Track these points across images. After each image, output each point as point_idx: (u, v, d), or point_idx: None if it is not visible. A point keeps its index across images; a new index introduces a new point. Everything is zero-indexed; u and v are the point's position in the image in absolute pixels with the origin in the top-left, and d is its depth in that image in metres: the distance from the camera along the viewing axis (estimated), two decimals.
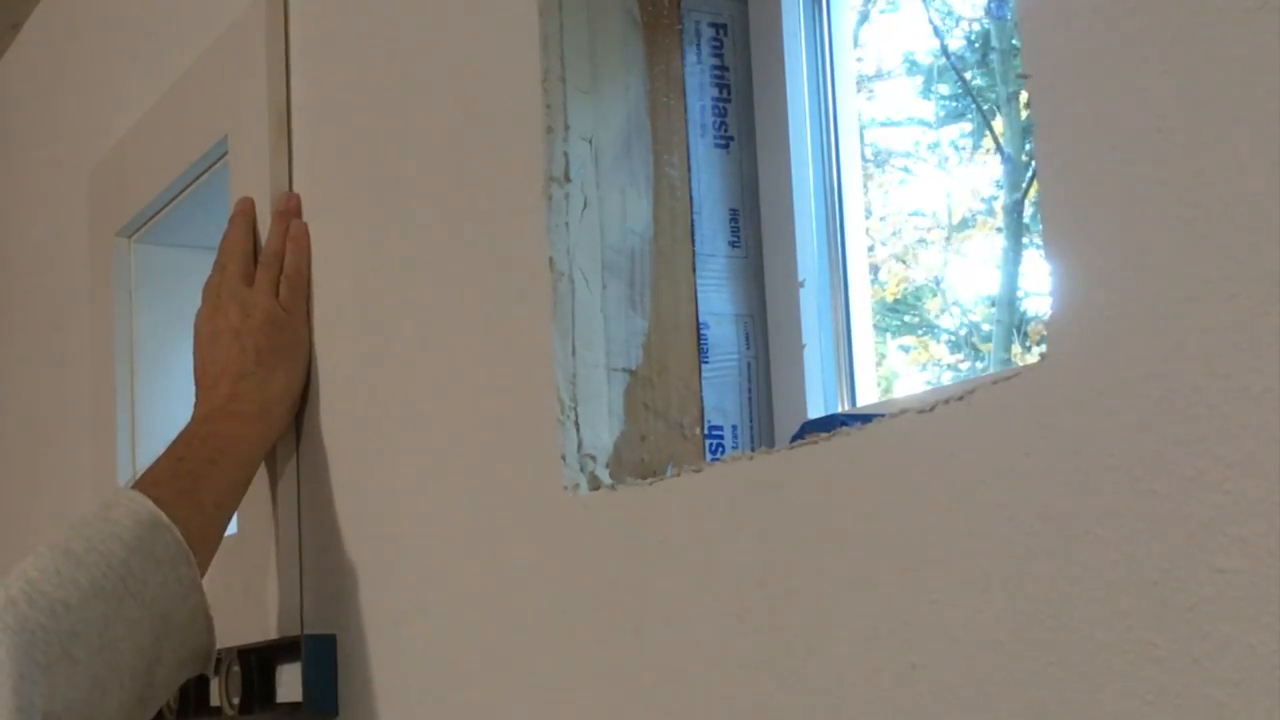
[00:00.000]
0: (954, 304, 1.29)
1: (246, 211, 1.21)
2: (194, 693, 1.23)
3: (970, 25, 1.21)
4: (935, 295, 1.28)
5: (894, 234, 1.26)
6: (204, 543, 1.06)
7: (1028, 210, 1.11)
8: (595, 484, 0.86)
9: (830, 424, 0.73)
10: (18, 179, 2.11)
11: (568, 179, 0.89)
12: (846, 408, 0.95)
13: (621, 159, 0.92)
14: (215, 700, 1.20)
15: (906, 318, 1.28)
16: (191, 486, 1.06)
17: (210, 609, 1.05)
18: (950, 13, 1.20)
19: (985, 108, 1.20)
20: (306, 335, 1.16)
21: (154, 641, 1.00)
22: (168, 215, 1.46)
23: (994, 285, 1.20)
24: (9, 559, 1.99)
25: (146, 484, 1.06)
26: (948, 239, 1.22)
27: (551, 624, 0.87)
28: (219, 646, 1.19)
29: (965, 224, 1.21)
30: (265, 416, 1.13)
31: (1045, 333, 0.57)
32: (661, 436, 0.91)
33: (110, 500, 1.04)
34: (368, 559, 1.08)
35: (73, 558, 0.97)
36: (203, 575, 1.05)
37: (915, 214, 1.24)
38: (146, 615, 0.99)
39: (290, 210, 1.18)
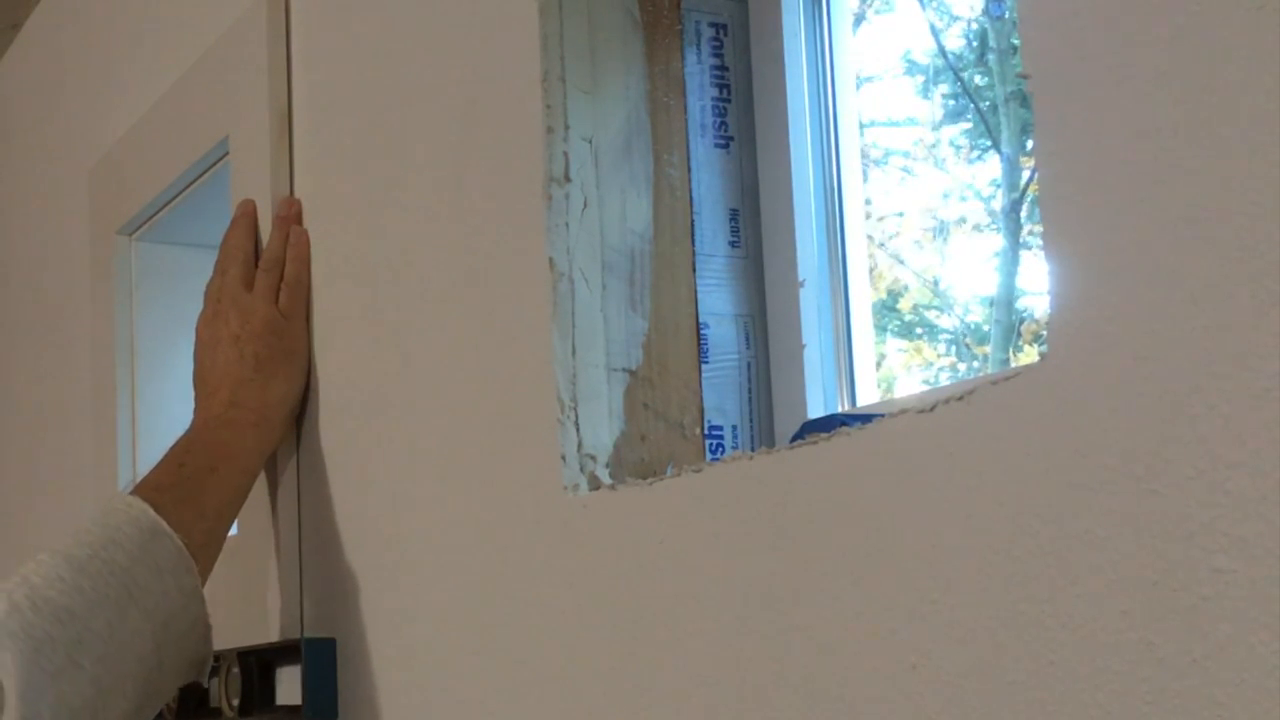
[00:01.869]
0: (950, 306, 1.29)
1: (248, 214, 1.21)
2: (194, 694, 1.23)
3: (969, 25, 1.21)
4: (933, 296, 1.28)
5: (891, 236, 1.26)
6: (205, 550, 1.06)
7: (1026, 210, 1.11)
8: (595, 484, 0.86)
9: (830, 424, 0.73)
10: (18, 178, 2.11)
11: (568, 179, 0.89)
12: (846, 408, 0.95)
13: (621, 159, 0.92)
14: (215, 702, 1.20)
15: (907, 318, 1.28)
16: (193, 494, 1.06)
17: (209, 618, 1.05)
18: (948, 12, 1.20)
19: (984, 108, 1.20)
20: (306, 341, 1.16)
21: (155, 649, 1.00)
22: (169, 213, 1.46)
23: (991, 285, 1.20)
24: (10, 559, 2.00)
25: (148, 489, 1.06)
26: (945, 239, 1.23)
27: (552, 624, 0.87)
28: (219, 649, 1.19)
29: (963, 224, 1.21)
30: (264, 423, 1.13)
31: (1038, 332, 0.57)
32: (661, 436, 0.91)
33: (110, 507, 1.03)
34: (368, 562, 1.08)
35: (75, 564, 0.97)
36: (204, 583, 1.05)
37: (915, 213, 1.24)
38: (148, 624, 0.99)
39: (290, 216, 1.18)
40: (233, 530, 1.22)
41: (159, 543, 1.01)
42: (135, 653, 0.98)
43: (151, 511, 1.02)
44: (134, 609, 0.98)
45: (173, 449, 1.11)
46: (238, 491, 1.11)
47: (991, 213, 1.18)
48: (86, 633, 0.95)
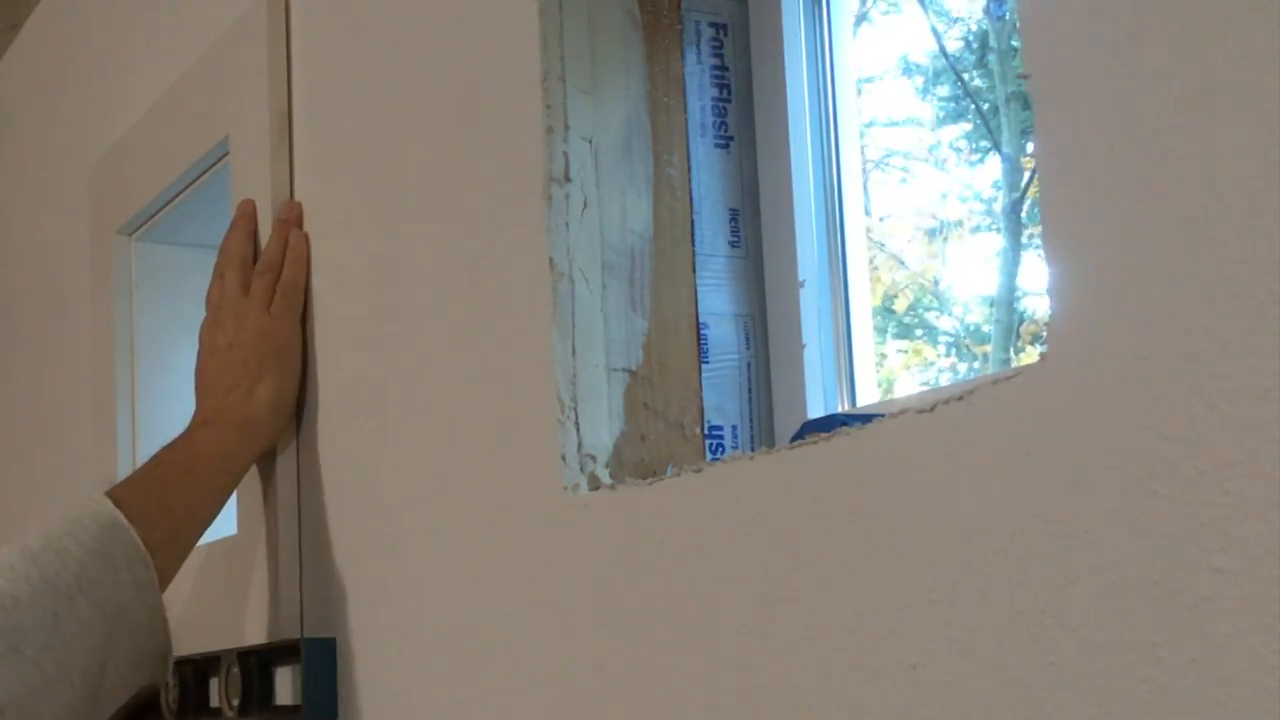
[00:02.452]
0: (949, 306, 1.29)
1: (247, 215, 1.21)
2: (194, 693, 1.23)
3: (969, 26, 1.21)
4: (932, 297, 1.28)
5: (890, 237, 1.26)
6: (169, 546, 1.07)
7: (1026, 210, 1.11)
8: (595, 484, 0.86)
9: (830, 424, 0.73)
10: (18, 178, 2.11)
11: (568, 179, 0.89)
12: (846, 408, 0.95)
13: (621, 159, 0.92)
14: (215, 702, 1.20)
15: (906, 319, 1.28)
16: (163, 491, 1.08)
17: (166, 612, 1.05)
18: (948, 13, 1.20)
19: (984, 108, 1.20)
20: (298, 344, 1.17)
21: (106, 640, 1.00)
22: (169, 213, 1.46)
23: (992, 286, 1.20)
24: None
25: (121, 486, 1.08)
26: (945, 239, 1.23)
27: (551, 624, 0.87)
28: (219, 649, 1.19)
29: (964, 224, 1.21)
30: (249, 427, 1.14)
31: (1038, 332, 0.57)
32: (661, 436, 0.91)
33: (78, 503, 1.05)
34: (367, 561, 1.08)
35: (28, 554, 0.99)
36: (169, 580, 1.06)
37: (915, 214, 1.24)
38: (99, 614, 1.00)
39: (290, 220, 1.18)
40: (233, 530, 1.22)
41: (115, 535, 1.02)
42: (84, 643, 0.99)
43: (111, 505, 1.03)
44: (83, 599, 0.99)
45: (158, 451, 1.12)
46: (214, 490, 1.11)
47: (991, 213, 1.18)
48: (29, 620, 0.96)
